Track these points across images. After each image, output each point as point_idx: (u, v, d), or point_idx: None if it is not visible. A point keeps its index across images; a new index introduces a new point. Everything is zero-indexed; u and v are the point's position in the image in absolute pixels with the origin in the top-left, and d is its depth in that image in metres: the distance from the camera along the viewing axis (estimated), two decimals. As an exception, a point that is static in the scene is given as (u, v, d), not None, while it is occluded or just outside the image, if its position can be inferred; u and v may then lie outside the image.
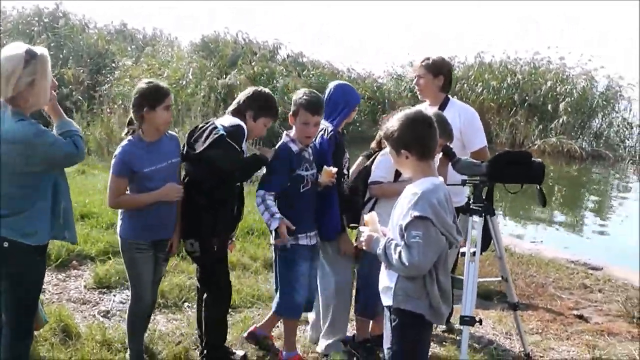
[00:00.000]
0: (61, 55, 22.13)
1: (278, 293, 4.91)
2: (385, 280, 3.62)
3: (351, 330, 5.42)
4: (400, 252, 3.37)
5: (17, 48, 3.60)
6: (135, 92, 4.38)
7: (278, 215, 4.57)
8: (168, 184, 4.37)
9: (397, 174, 4.81)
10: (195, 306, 5.85)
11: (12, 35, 21.06)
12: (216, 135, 4.38)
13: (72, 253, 6.91)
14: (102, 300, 6.08)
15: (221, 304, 4.82)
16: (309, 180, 4.75)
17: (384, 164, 4.83)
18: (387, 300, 3.59)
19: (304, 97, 4.68)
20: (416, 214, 3.33)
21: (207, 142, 4.39)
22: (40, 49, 3.68)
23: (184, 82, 18.91)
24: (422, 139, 3.52)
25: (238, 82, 18.80)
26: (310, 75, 22.68)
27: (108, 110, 16.19)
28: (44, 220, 3.74)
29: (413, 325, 3.52)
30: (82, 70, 20.86)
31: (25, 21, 25.00)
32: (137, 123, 4.38)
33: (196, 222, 4.55)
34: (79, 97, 17.30)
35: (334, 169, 4.74)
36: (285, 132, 4.84)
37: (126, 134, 4.45)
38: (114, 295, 6.17)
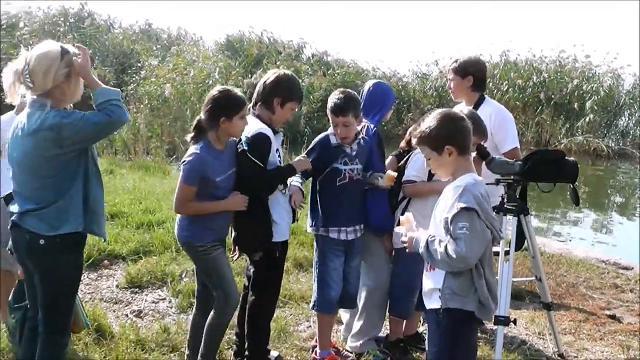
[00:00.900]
0: (87, 55, 22.24)
1: (314, 287, 4.96)
2: (429, 283, 3.59)
3: (384, 330, 5.41)
4: (445, 246, 3.35)
5: (51, 45, 3.72)
6: (208, 100, 4.33)
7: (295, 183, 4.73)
8: (234, 194, 4.37)
9: (431, 174, 4.79)
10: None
11: (38, 36, 21.16)
12: (239, 151, 4.42)
13: (103, 252, 6.97)
14: (135, 299, 6.13)
15: (271, 308, 4.81)
16: (346, 174, 4.74)
17: (417, 164, 4.80)
18: (432, 303, 3.56)
19: (331, 99, 4.71)
20: (462, 205, 3.33)
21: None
22: (71, 47, 3.78)
23: (210, 82, 18.92)
24: (461, 133, 3.53)
25: (264, 81, 18.79)
26: (335, 74, 22.64)
27: (134, 110, 16.26)
28: (76, 208, 3.76)
29: (463, 324, 3.50)
30: (107, 70, 21.01)
31: (51, 21, 25.20)
32: (208, 130, 4.34)
33: (259, 233, 4.54)
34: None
35: (395, 174, 4.74)
36: None
37: (191, 140, 4.41)
38: (146, 295, 6.21)
